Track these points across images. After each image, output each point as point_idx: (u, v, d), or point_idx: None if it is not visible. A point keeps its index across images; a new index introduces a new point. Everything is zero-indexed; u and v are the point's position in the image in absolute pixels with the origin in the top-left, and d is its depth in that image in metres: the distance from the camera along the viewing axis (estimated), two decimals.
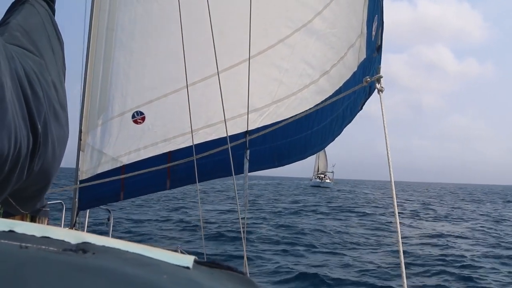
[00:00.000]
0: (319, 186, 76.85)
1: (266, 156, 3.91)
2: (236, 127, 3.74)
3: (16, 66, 1.31)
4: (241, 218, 3.18)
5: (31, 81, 1.40)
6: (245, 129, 3.75)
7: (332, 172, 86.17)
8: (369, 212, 26.15)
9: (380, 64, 3.71)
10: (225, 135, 3.68)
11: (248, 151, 3.54)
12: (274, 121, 3.91)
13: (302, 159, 4.24)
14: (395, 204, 2.31)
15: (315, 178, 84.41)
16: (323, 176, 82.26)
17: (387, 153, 2.44)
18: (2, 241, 0.49)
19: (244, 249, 3.02)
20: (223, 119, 3.61)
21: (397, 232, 2.22)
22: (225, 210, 22.78)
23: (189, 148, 3.78)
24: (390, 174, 2.34)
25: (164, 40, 3.83)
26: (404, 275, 2.11)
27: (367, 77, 3.30)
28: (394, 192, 2.31)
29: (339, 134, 4.30)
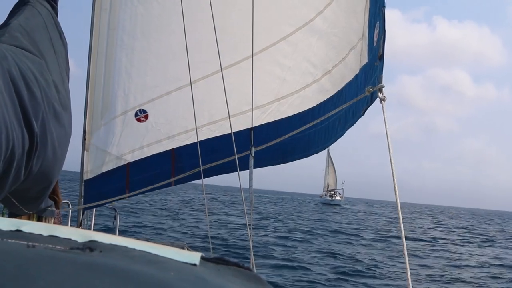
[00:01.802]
0: (329, 204, 76.59)
1: (270, 153, 3.91)
2: (239, 124, 3.74)
3: (9, 66, 1.31)
4: (247, 214, 3.19)
5: (28, 81, 1.39)
6: (248, 126, 3.75)
7: (342, 189, 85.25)
8: (426, 239, 23.35)
9: (382, 73, 3.70)
10: (227, 132, 3.71)
11: (253, 148, 3.54)
12: (277, 119, 3.91)
13: (306, 156, 4.25)
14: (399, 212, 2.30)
15: (325, 195, 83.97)
16: (333, 193, 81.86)
17: (391, 164, 2.44)
18: (10, 240, 0.50)
19: (251, 245, 3.03)
20: (226, 116, 3.63)
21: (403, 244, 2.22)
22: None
23: (193, 145, 3.80)
24: (395, 185, 2.35)
25: (165, 38, 3.83)
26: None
27: (369, 87, 3.33)
28: (398, 202, 2.31)
29: (342, 135, 4.32)
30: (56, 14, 2.05)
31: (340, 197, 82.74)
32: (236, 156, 3.17)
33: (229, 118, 3.31)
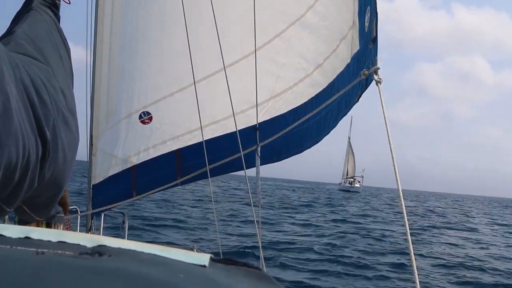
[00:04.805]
0: (349, 191, 77.67)
1: (265, 152, 3.91)
2: (240, 123, 3.75)
3: (21, 75, 1.32)
4: (255, 213, 3.19)
5: (38, 88, 1.40)
6: (249, 124, 3.76)
7: (362, 177, 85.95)
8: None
9: (376, 55, 3.67)
10: (230, 131, 3.77)
11: (259, 147, 3.54)
12: (273, 116, 3.93)
13: (300, 152, 4.25)
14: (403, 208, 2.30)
15: (344, 182, 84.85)
16: (352, 180, 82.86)
17: (390, 148, 2.44)
18: (19, 247, 0.50)
19: (260, 244, 3.03)
20: (227, 115, 3.70)
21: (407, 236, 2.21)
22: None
23: (197, 145, 3.84)
24: (395, 168, 2.34)
25: (166, 40, 3.86)
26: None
27: (365, 70, 3.30)
28: (401, 195, 2.31)
29: (334, 127, 4.27)
30: (58, 21, 2.06)
31: (360, 184, 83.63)
32: (242, 154, 3.18)
33: (234, 116, 3.33)
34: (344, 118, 4.22)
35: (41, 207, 1.79)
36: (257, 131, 3.65)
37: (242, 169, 3.52)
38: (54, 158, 1.46)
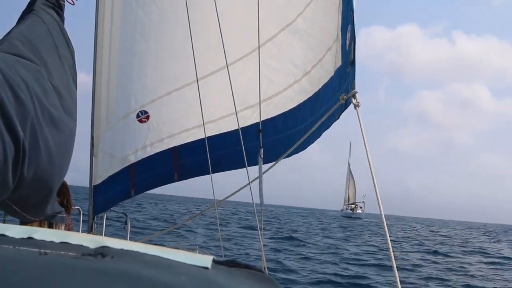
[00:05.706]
0: (350, 217, 77.48)
1: (254, 154, 3.91)
2: (234, 124, 3.78)
3: None
4: (257, 213, 3.19)
5: (14, 88, 1.37)
6: (243, 126, 3.73)
7: (363, 202, 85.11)
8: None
9: (354, 79, 3.67)
10: (224, 131, 3.92)
11: (262, 150, 3.55)
12: (263, 119, 3.95)
13: (287, 157, 4.25)
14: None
15: (346, 208, 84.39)
16: (354, 206, 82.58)
17: (370, 169, 2.47)
18: (22, 248, 0.50)
19: (262, 246, 3.02)
20: (221, 116, 3.88)
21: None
22: None
23: (194, 142, 3.96)
24: (376, 192, 2.35)
25: (164, 41, 3.90)
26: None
27: (343, 94, 3.37)
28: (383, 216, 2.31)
29: (318, 138, 4.27)
30: (63, 21, 2.06)
31: (361, 210, 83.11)
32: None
33: (236, 115, 3.37)
34: (343, 146, 4.21)
35: (33, 207, 1.77)
36: (260, 133, 3.65)
37: (236, 168, 3.75)
38: (34, 158, 1.42)
